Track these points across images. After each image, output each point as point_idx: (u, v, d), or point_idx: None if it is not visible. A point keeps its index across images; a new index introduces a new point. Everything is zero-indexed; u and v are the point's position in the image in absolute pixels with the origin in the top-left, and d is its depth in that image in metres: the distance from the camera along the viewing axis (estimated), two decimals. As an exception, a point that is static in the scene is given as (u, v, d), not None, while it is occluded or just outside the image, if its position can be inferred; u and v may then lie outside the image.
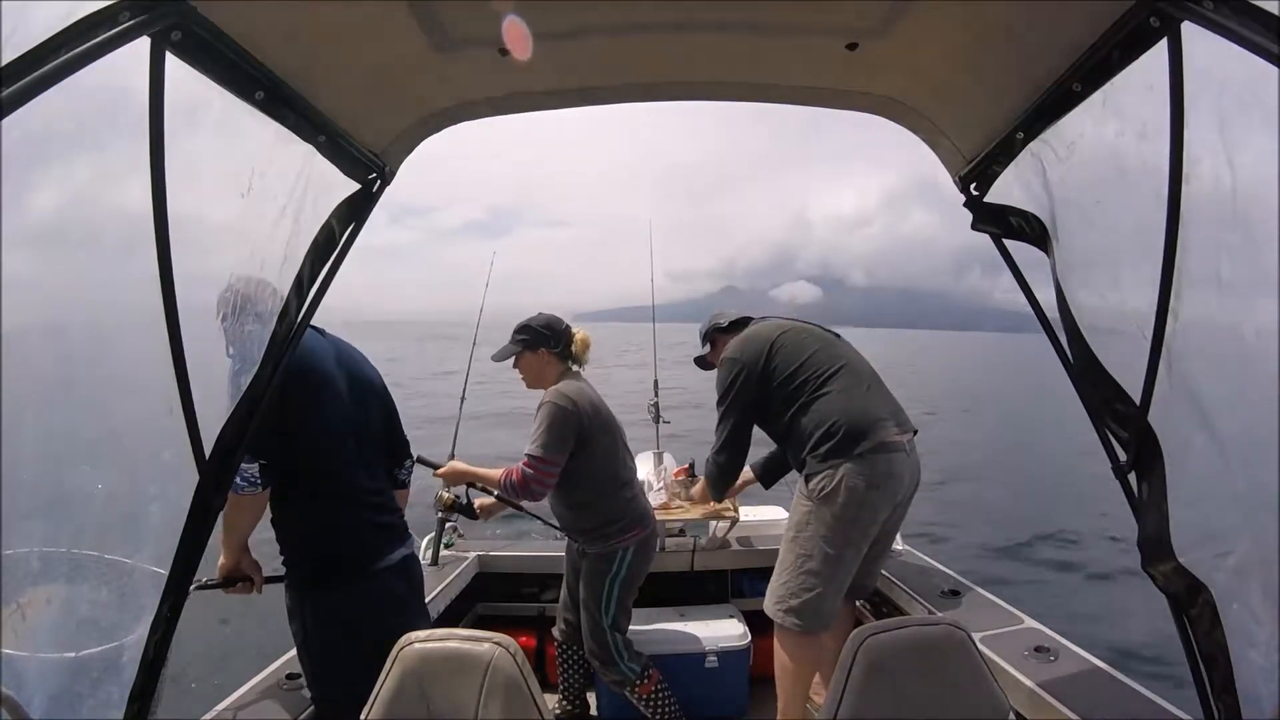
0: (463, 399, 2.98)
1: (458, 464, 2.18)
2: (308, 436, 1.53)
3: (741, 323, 2.32)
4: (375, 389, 1.75)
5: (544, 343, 2.12)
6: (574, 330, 2.19)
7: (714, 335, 2.39)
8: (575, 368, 2.20)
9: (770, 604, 2.04)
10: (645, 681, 2.10)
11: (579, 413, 2.01)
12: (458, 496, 2.25)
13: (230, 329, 1.09)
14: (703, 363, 2.44)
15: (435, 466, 2.19)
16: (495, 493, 2.16)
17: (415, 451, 1.91)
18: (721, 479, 2.29)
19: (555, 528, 2.24)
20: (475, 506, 2.27)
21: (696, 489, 2.66)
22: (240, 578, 1.63)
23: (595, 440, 2.05)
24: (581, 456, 2.03)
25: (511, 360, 2.15)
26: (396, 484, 1.82)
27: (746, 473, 2.55)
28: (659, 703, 2.12)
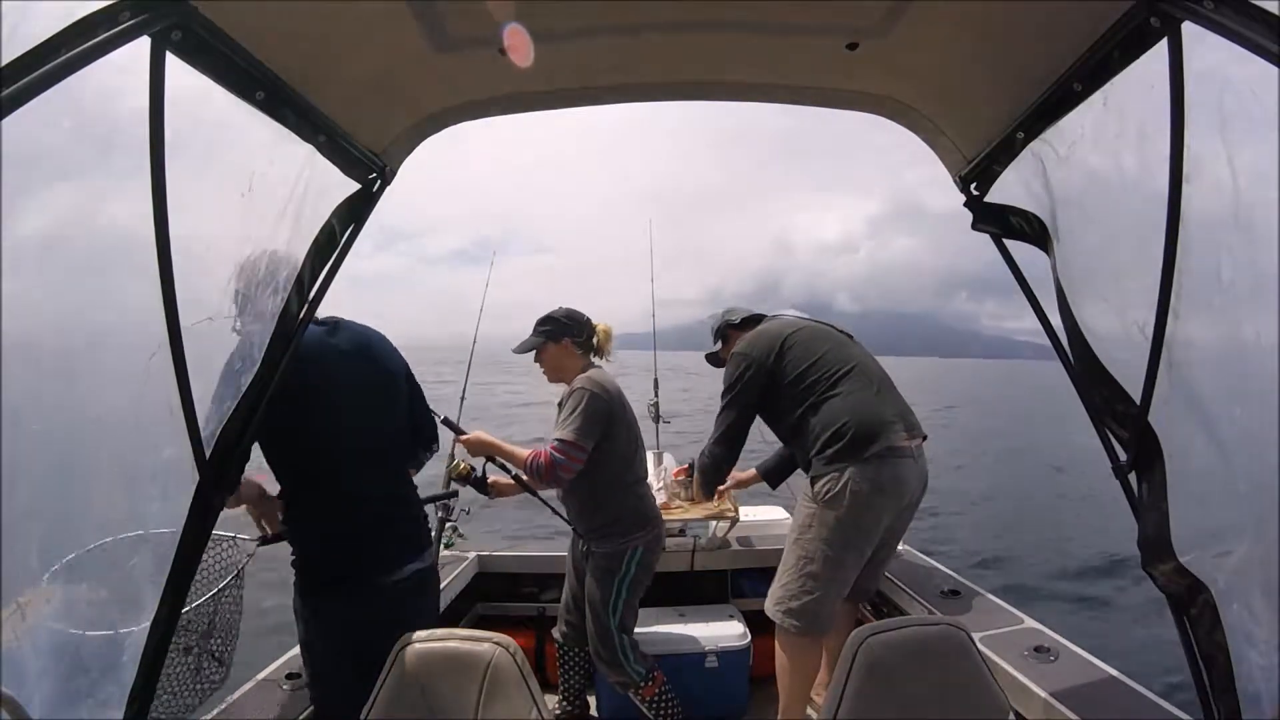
0: (462, 398, 2.98)
1: (484, 434, 2.11)
2: (306, 439, 1.51)
3: (754, 319, 2.30)
4: (395, 380, 1.68)
5: (567, 333, 2.09)
6: (595, 323, 2.16)
7: (726, 331, 2.37)
8: (598, 361, 2.17)
9: (771, 605, 2.04)
10: (650, 684, 2.09)
11: (610, 401, 1.99)
12: (473, 469, 2.16)
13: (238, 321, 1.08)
14: (715, 359, 2.41)
15: (460, 432, 2.12)
16: (514, 472, 2.11)
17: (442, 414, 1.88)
18: (714, 470, 2.28)
19: (566, 520, 2.21)
20: (490, 483, 2.19)
21: (695, 486, 2.65)
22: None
23: (618, 434, 2.03)
24: (602, 450, 2.00)
25: (533, 355, 2.11)
26: (413, 464, 1.77)
27: (751, 472, 2.55)
28: (662, 705, 2.11)
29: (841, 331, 2.21)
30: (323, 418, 1.53)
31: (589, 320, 2.15)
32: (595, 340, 2.15)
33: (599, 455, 2.00)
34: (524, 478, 2.10)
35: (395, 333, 1.77)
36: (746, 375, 2.10)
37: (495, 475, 2.20)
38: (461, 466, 2.15)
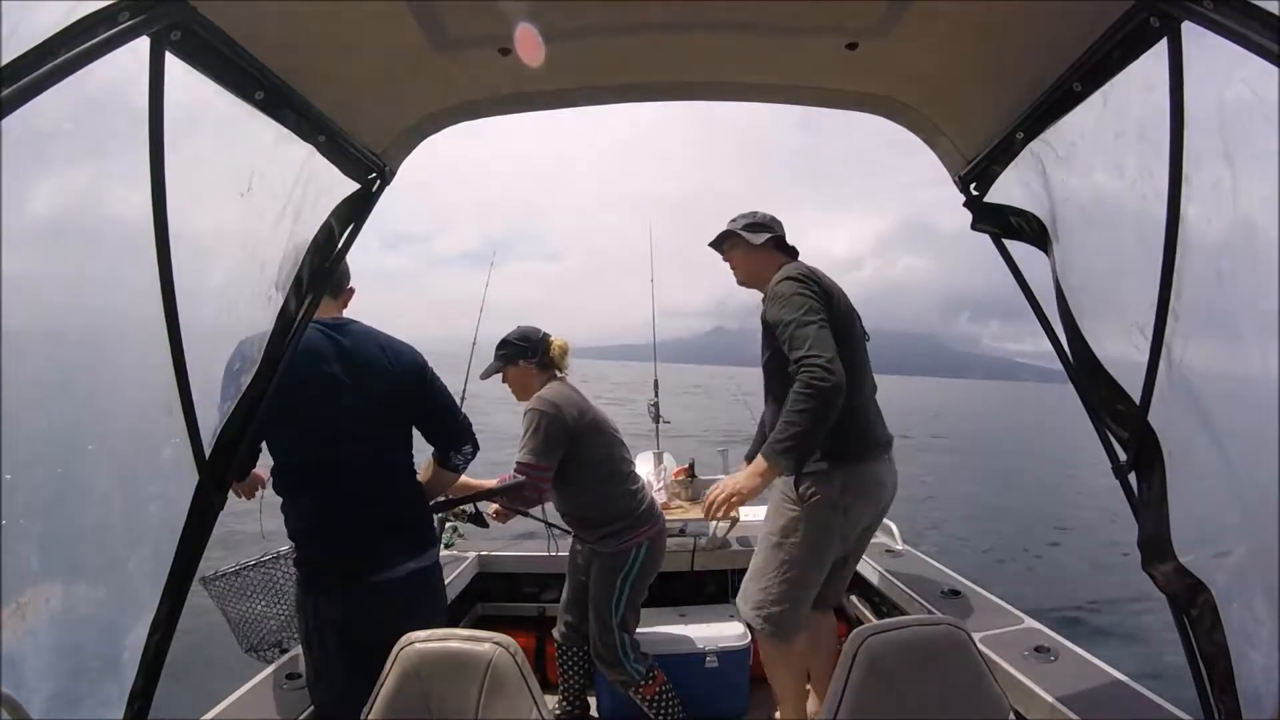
0: (462, 398, 2.99)
1: (460, 478, 2.18)
2: (296, 435, 1.50)
3: (794, 250, 2.07)
4: (401, 381, 1.62)
5: (522, 355, 2.16)
6: (551, 338, 2.20)
7: (769, 238, 2.02)
8: (559, 375, 2.21)
9: (749, 609, 1.93)
10: (650, 682, 2.10)
11: (563, 416, 2.02)
12: (467, 510, 2.22)
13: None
14: (718, 244, 2.10)
15: None
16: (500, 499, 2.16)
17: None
18: (835, 384, 1.69)
19: (566, 530, 2.24)
20: (485, 515, 2.25)
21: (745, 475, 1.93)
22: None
23: (587, 440, 2.05)
24: (576, 459, 2.03)
25: (500, 376, 2.19)
26: (449, 467, 1.76)
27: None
28: (663, 703, 2.12)
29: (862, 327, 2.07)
30: (314, 413, 1.51)
31: (545, 337, 2.20)
32: (551, 355, 2.19)
33: (574, 467, 2.03)
34: (506, 502, 2.13)
35: (398, 330, 1.78)
36: (814, 297, 1.79)
37: (489, 506, 2.21)
38: (459, 510, 2.19)
